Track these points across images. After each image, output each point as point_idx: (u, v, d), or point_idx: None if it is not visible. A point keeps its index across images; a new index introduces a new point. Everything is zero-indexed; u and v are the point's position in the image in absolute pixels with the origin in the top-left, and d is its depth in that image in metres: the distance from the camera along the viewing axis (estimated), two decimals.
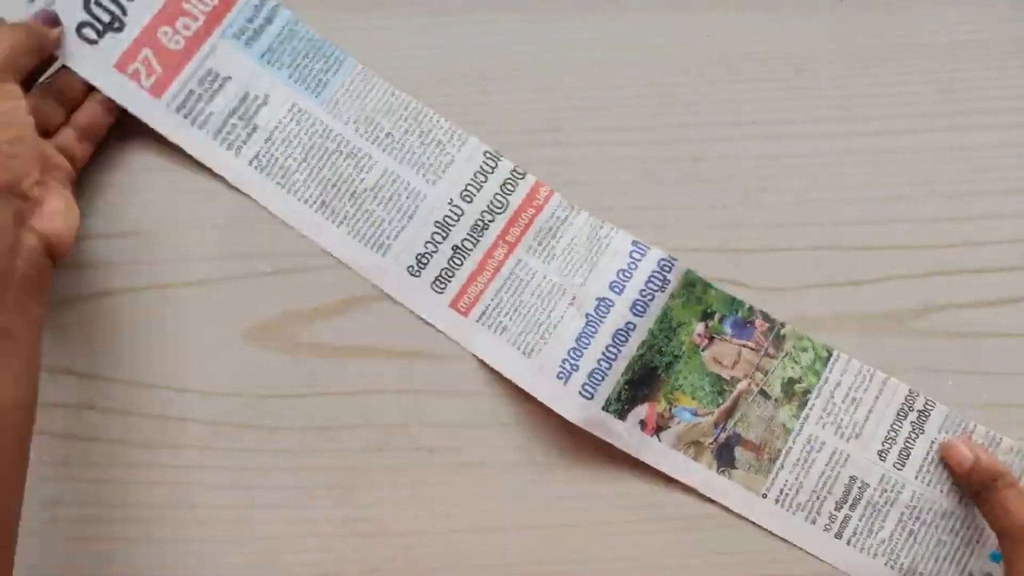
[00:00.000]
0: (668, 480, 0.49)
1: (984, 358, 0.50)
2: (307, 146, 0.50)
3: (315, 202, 0.50)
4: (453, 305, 0.50)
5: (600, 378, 0.48)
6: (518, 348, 0.49)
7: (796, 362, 0.50)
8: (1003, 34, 0.52)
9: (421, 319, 0.50)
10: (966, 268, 0.51)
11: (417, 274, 0.50)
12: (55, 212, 0.44)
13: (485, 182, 0.50)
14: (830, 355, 0.50)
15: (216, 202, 0.51)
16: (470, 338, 0.50)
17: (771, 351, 0.50)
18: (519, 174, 0.51)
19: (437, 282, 0.50)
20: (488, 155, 0.51)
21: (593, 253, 0.50)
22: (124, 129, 0.52)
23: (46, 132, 0.47)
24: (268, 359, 0.50)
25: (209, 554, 0.49)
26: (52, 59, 0.49)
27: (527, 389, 0.49)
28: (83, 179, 0.51)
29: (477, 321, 0.50)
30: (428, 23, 0.52)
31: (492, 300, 0.50)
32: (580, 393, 0.48)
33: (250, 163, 0.50)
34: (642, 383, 0.49)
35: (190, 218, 0.51)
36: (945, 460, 0.48)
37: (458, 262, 0.50)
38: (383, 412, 0.50)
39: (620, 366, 0.49)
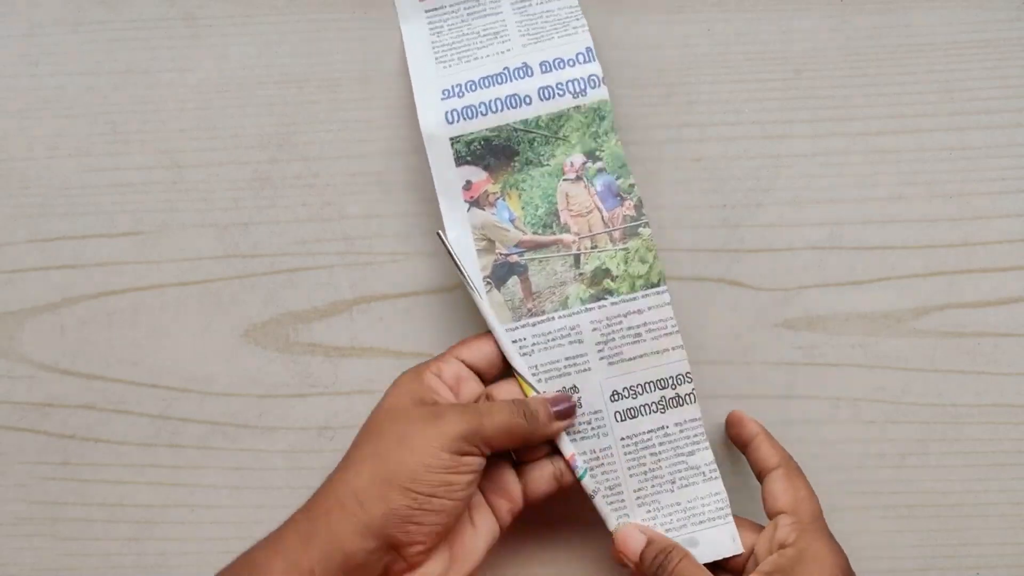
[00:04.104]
0: None
1: (984, 358, 0.50)
2: None
3: None
4: None
5: (471, 115, 0.48)
6: (435, 50, 0.50)
7: (626, 263, 0.47)
8: (1003, 34, 0.52)
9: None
10: (966, 268, 0.51)
11: None
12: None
13: None
14: (657, 285, 0.47)
15: (217, 202, 0.51)
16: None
17: (616, 236, 0.48)
18: None
19: None
20: None
21: (556, 30, 0.50)
22: (123, 129, 0.52)
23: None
24: (268, 359, 0.50)
25: (209, 554, 0.49)
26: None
27: (416, 93, 0.49)
28: (83, 179, 0.51)
29: (426, 12, 0.51)
30: None
31: (448, 4, 0.51)
32: (446, 113, 0.48)
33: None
34: (496, 153, 0.48)
35: (190, 218, 0.51)
36: (619, 547, 0.45)
37: None
38: None
39: (493, 121, 0.48)
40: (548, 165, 0.48)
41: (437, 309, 0.51)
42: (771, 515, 0.44)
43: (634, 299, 0.47)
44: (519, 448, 0.45)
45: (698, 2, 0.52)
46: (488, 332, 0.47)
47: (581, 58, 0.49)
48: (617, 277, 0.47)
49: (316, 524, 0.41)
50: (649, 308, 0.47)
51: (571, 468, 0.46)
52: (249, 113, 0.52)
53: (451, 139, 0.48)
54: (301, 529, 0.42)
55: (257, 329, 0.51)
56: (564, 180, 0.48)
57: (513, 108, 0.48)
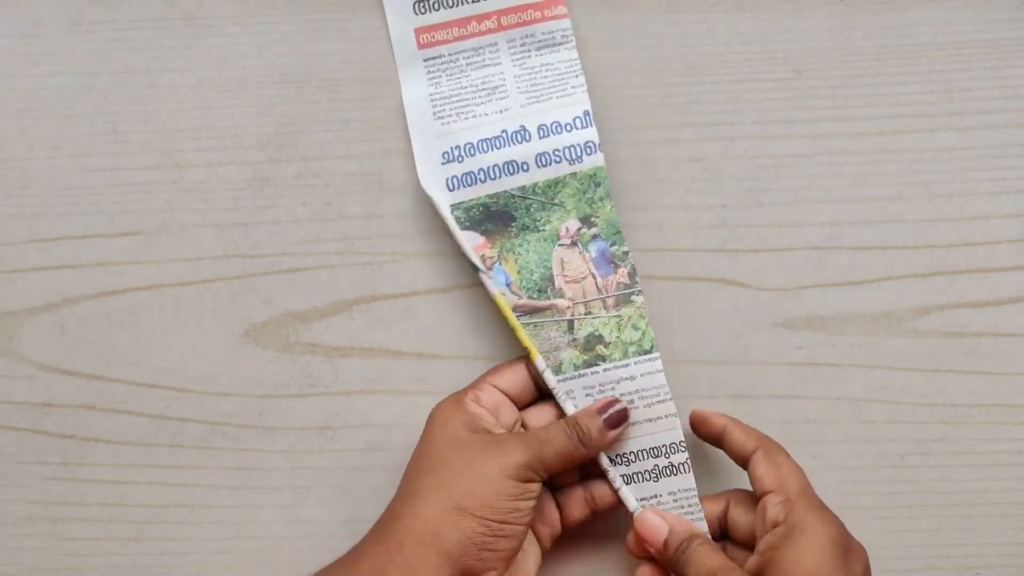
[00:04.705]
0: None
1: (984, 358, 0.50)
2: None
3: None
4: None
5: (471, 182, 0.49)
6: (433, 103, 0.50)
7: (618, 330, 0.47)
8: (1003, 34, 0.52)
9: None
10: (966, 268, 0.51)
11: None
12: None
13: None
14: (649, 352, 0.47)
15: (217, 202, 0.51)
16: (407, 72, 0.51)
17: (609, 303, 0.48)
18: None
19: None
20: None
21: (555, 89, 0.50)
22: (123, 129, 0.52)
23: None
24: (268, 359, 0.50)
25: (209, 554, 0.49)
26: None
27: (416, 153, 0.50)
28: (83, 179, 0.51)
29: (424, 60, 0.51)
30: None
31: (447, 52, 0.51)
32: (447, 180, 0.49)
33: None
34: (493, 219, 0.49)
35: (190, 218, 0.51)
36: (640, 534, 0.45)
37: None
38: (383, 412, 0.50)
39: (491, 188, 0.49)
40: (544, 230, 0.49)
41: (437, 309, 0.51)
42: (761, 497, 0.45)
43: (626, 365, 0.47)
44: (573, 470, 0.46)
45: (698, 2, 0.52)
46: (519, 358, 0.47)
47: (579, 122, 0.49)
48: (610, 343, 0.47)
49: (390, 554, 0.42)
50: (642, 375, 0.47)
51: (614, 488, 0.46)
52: (249, 113, 0.52)
53: (451, 206, 0.49)
54: (374, 559, 0.42)
55: (257, 329, 0.51)
56: (559, 246, 0.49)
57: (511, 175, 0.49)
